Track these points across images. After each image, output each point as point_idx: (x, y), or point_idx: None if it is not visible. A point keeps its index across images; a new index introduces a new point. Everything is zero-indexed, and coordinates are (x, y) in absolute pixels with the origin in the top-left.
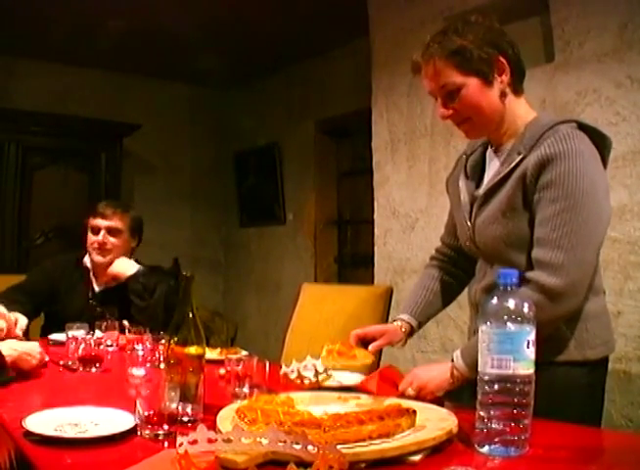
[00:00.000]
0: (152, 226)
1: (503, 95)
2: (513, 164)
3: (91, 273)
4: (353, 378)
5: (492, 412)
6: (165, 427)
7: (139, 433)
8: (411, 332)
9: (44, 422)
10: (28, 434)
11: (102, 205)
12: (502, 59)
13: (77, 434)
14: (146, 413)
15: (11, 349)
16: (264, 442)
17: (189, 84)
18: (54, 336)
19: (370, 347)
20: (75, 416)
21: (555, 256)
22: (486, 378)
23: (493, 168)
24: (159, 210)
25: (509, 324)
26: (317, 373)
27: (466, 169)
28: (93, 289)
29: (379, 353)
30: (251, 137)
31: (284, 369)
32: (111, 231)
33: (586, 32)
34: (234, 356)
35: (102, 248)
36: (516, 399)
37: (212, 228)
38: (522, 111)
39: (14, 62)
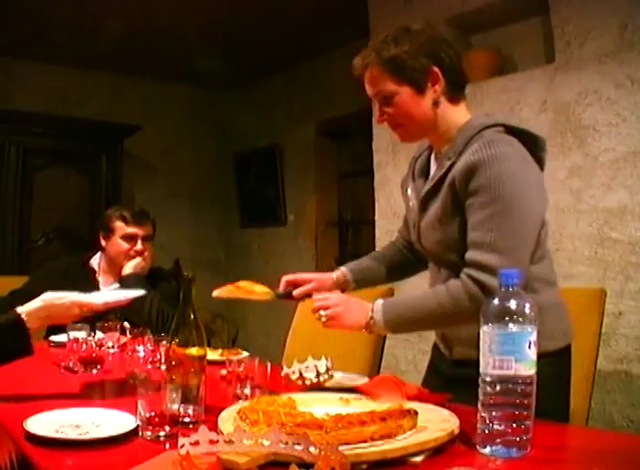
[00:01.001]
0: None
1: (435, 104)
2: (443, 170)
3: (98, 274)
4: (355, 379)
5: (494, 413)
6: (167, 428)
7: (140, 434)
8: (344, 285)
9: (45, 424)
10: (29, 435)
11: (131, 212)
12: (436, 69)
13: (78, 435)
14: (147, 414)
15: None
16: (266, 443)
17: (189, 85)
18: (55, 337)
19: (294, 292)
20: (76, 418)
21: (493, 258)
22: (488, 379)
23: (432, 174)
24: (159, 211)
25: (510, 325)
26: (319, 374)
27: (414, 173)
28: (99, 290)
29: (380, 354)
30: (252, 138)
31: (285, 370)
32: (144, 239)
33: (587, 33)
34: (235, 357)
35: (141, 256)
36: (517, 400)
37: (213, 229)
38: (457, 117)
39: (14, 63)
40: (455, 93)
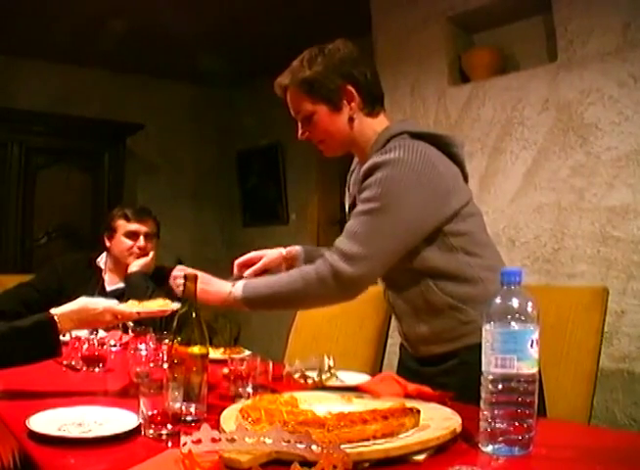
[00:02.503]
0: None
1: (351, 120)
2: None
3: (104, 273)
4: (357, 378)
5: (496, 411)
6: (169, 427)
7: (143, 432)
8: (293, 261)
9: (48, 422)
10: (32, 434)
11: (132, 210)
12: (350, 88)
13: (81, 433)
14: (149, 413)
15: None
16: (268, 441)
17: (191, 84)
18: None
19: (246, 273)
20: (79, 416)
21: (353, 247)
22: (490, 377)
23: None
24: (161, 209)
25: (512, 323)
26: (321, 373)
27: (349, 187)
28: (104, 288)
29: (382, 353)
30: (254, 137)
31: (287, 369)
32: (147, 236)
33: (589, 32)
34: (237, 356)
35: (144, 253)
36: (520, 399)
37: (215, 228)
38: (375, 128)
39: (16, 62)
40: (372, 107)
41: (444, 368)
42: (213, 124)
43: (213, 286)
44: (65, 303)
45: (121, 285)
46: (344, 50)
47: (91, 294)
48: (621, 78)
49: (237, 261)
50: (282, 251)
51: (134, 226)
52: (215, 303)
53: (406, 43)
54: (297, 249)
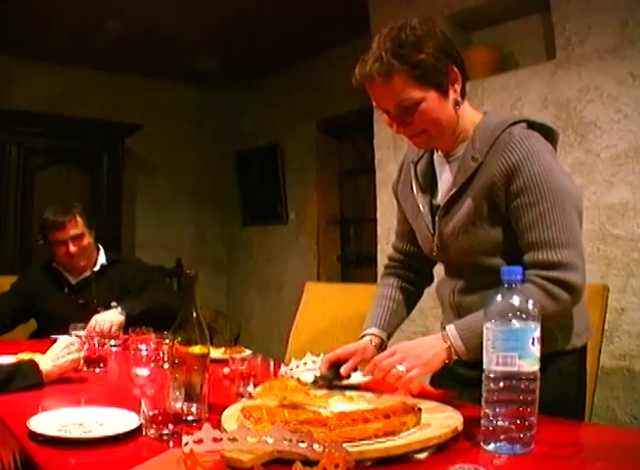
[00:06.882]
0: (154, 226)
1: (457, 104)
2: (470, 171)
3: (63, 271)
4: (359, 377)
5: (498, 410)
6: (170, 426)
7: (144, 433)
8: (381, 345)
9: (48, 422)
10: (33, 434)
11: (48, 220)
12: (455, 68)
13: (82, 434)
14: (151, 413)
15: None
16: (270, 440)
17: (190, 84)
18: (57, 336)
19: (342, 369)
20: (80, 416)
21: (561, 254)
22: (492, 375)
23: (447, 176)
24: (161, 210)
25: (514, 321)
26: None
27: (417, 178)
28: (69, 283)
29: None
30: (253, 137)
31: (282, 370)
32: (74, 238)
33: (587, 29)
34: (238, 356)
35: (73, 257)
36: (521, 397)
37: (215, 228)
38: (469, 114)
39: (14, 63)
40: (464, 89)
41: None
42: (212, 124)
43: (427, 350)
44: (41, 308)
45: (86, 274)
46: (439, 28)
47: (60, 291)
48: (620, 76)
49: (325, 358)
50: (369, 342)
51: (56, 235)
52: (437, 367)
53: None
54: (376, 333)
